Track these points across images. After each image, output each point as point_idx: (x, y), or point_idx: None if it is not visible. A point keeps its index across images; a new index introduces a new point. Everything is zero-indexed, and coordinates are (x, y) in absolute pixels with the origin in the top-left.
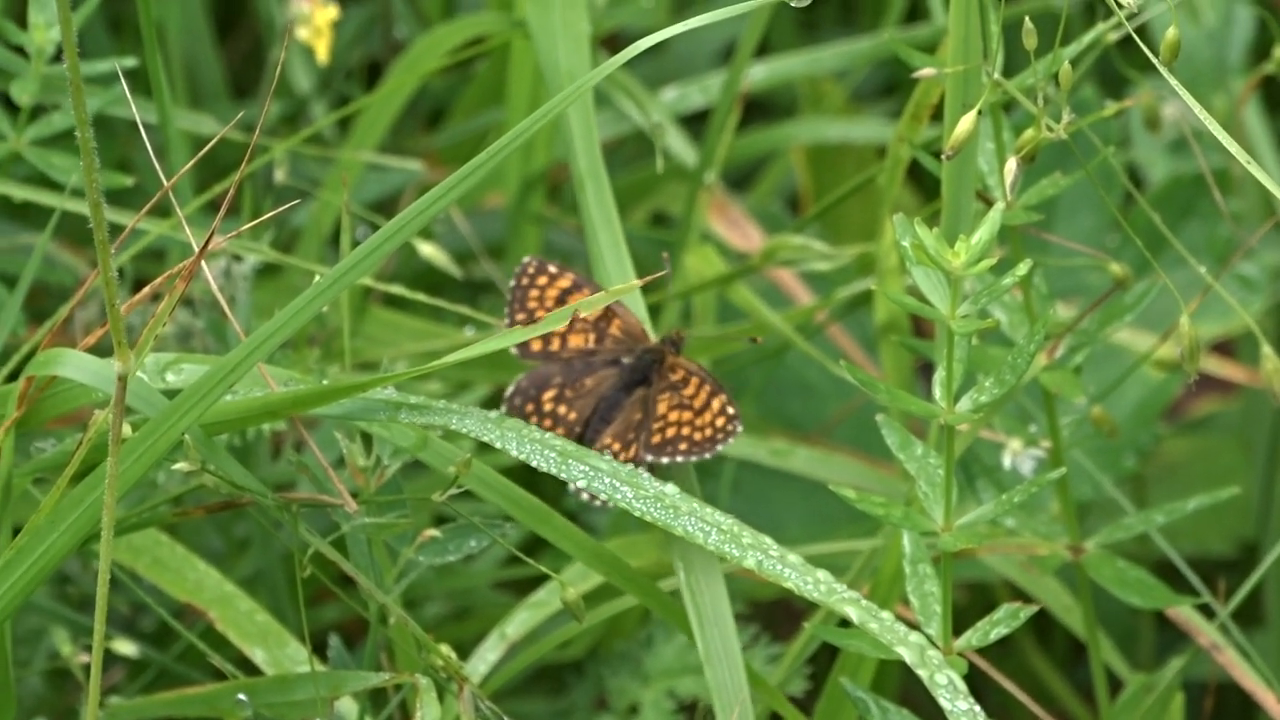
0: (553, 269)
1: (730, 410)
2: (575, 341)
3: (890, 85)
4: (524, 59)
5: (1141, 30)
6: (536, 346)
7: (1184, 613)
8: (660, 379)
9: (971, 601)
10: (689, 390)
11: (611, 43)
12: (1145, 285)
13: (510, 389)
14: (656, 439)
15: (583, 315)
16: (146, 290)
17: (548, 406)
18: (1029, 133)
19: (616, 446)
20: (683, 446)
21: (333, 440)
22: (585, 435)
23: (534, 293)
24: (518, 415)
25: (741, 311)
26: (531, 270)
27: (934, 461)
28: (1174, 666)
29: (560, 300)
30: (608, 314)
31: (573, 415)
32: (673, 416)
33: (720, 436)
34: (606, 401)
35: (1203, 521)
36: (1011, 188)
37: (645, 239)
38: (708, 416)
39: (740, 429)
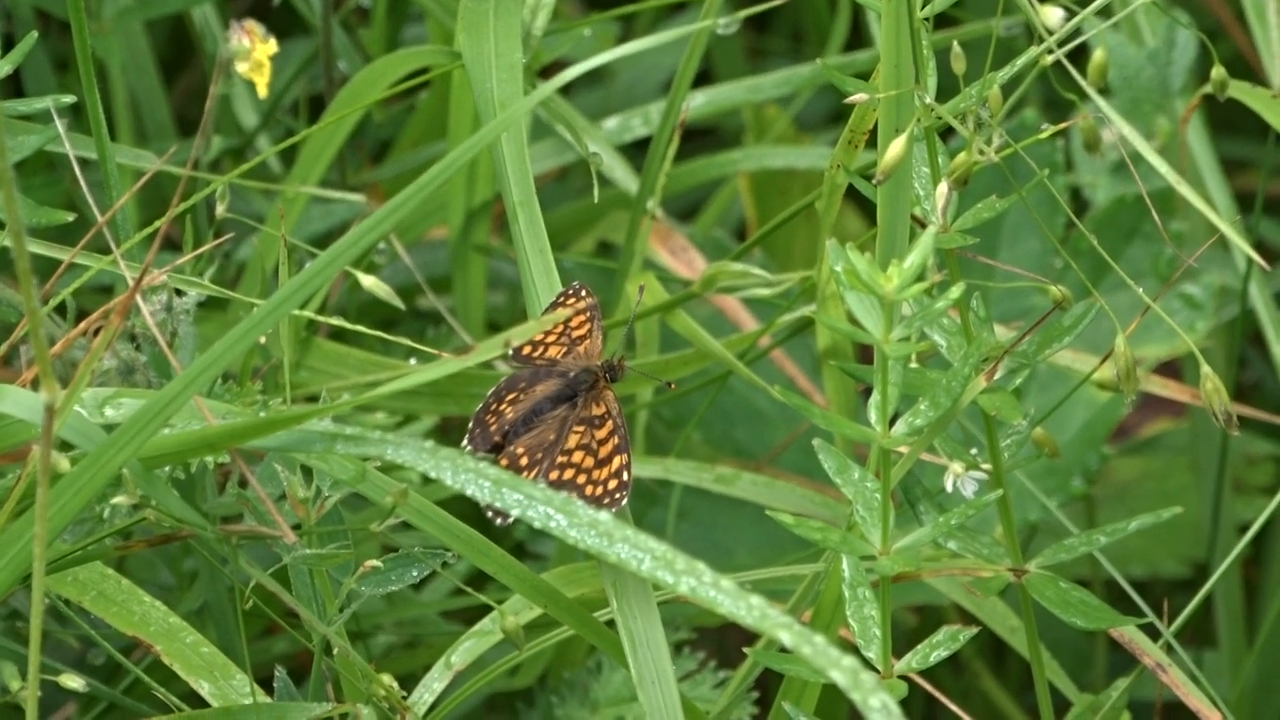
0: (584, 293)
1: (625, 476)
2: (552, 352)
3: (836, 112)
4: (465, 91)
5: (1082, 52)
6: (525, 352)
7: (1131, 633)
8: (584, 406)
9: (922, 625)
10: (601, 433)
11: (552, 73)
12: (1084, 307)
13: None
14: (554, 475)
15: (514, 342)
16: (82, 325)
17: (504, 406)
18: (961, 157)
19: (524, 461)
20: (573, 494)
21: (275, 472)
22: (507, 437)
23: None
24: (488, 409)
25: (685, 339)
26: (570, 292)
27: (871, 485)
28: (1119, 686)
29: (567, 322)
30: (588, 332)
31: (509, 415)
32: (576, 457)
33: (607, 501)
34: (534, 410)
35: (1155, 542)
36: (944, 211)
37: (589, 267)
38: (605, 473)
39: (625, 500)
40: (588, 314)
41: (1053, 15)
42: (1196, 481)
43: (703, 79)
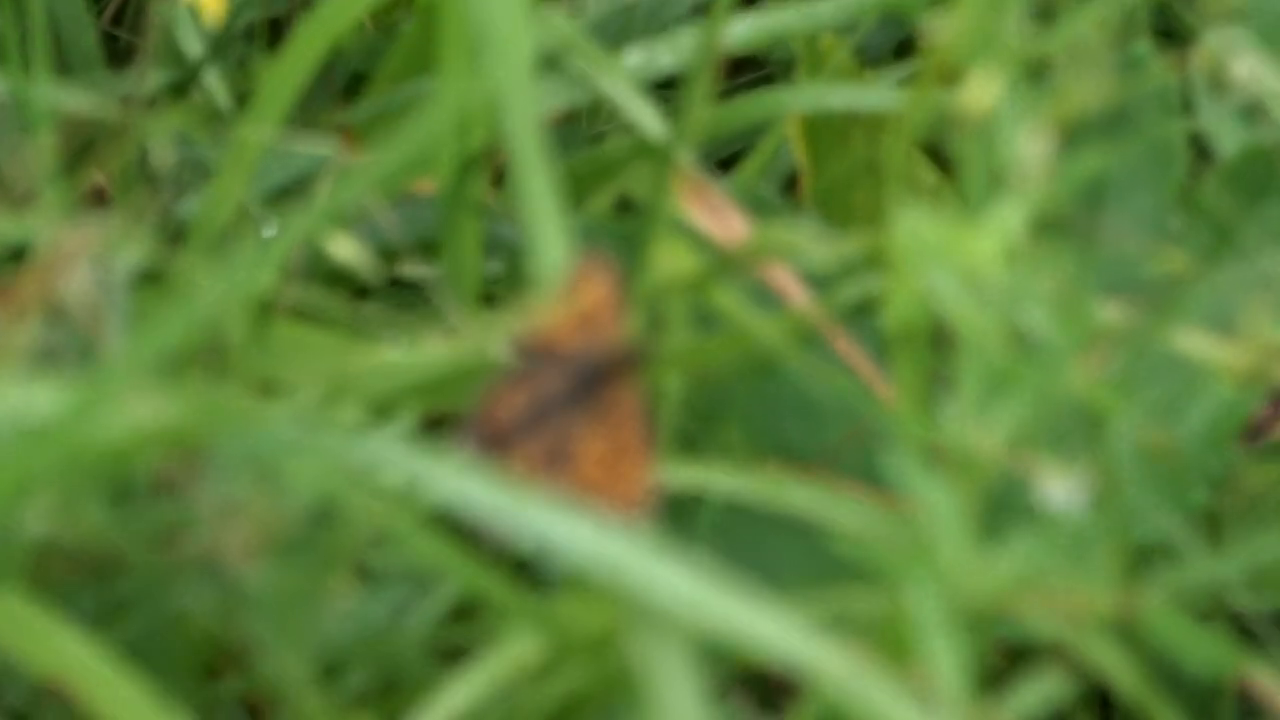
0: (603, 263)
1: (649, 485)
2: (562, 334)
3: (905, 43)
4: (458, 13)
5: None
6: (530, 335)
7: (1266, 680)
8: (601, 401)
9: (1011, 667)
10: (621, 433)
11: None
12: (1212, 280)
13: None
14: (564, 482)
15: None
16: None
17: (504, 399)
18: (1067, 97)
19: (529, 466)
20: (587, 505)
21: (231, 481)
22: (508, 437)
23: None
24: (486, 404)
25: (723, 317)
26: (585, 261)
27: (952, 497)
28: None
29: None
30: (605, 310)
31: (511, 412)
32: (591, 461)
33: (628, 514)
34: (541, 406)
35: None
36: (1040, 164)
37: (606, 230)
38: (625, 480)
39: (649, 514)
40: (606, 289)
41: None
42: None
43: (746, 1)
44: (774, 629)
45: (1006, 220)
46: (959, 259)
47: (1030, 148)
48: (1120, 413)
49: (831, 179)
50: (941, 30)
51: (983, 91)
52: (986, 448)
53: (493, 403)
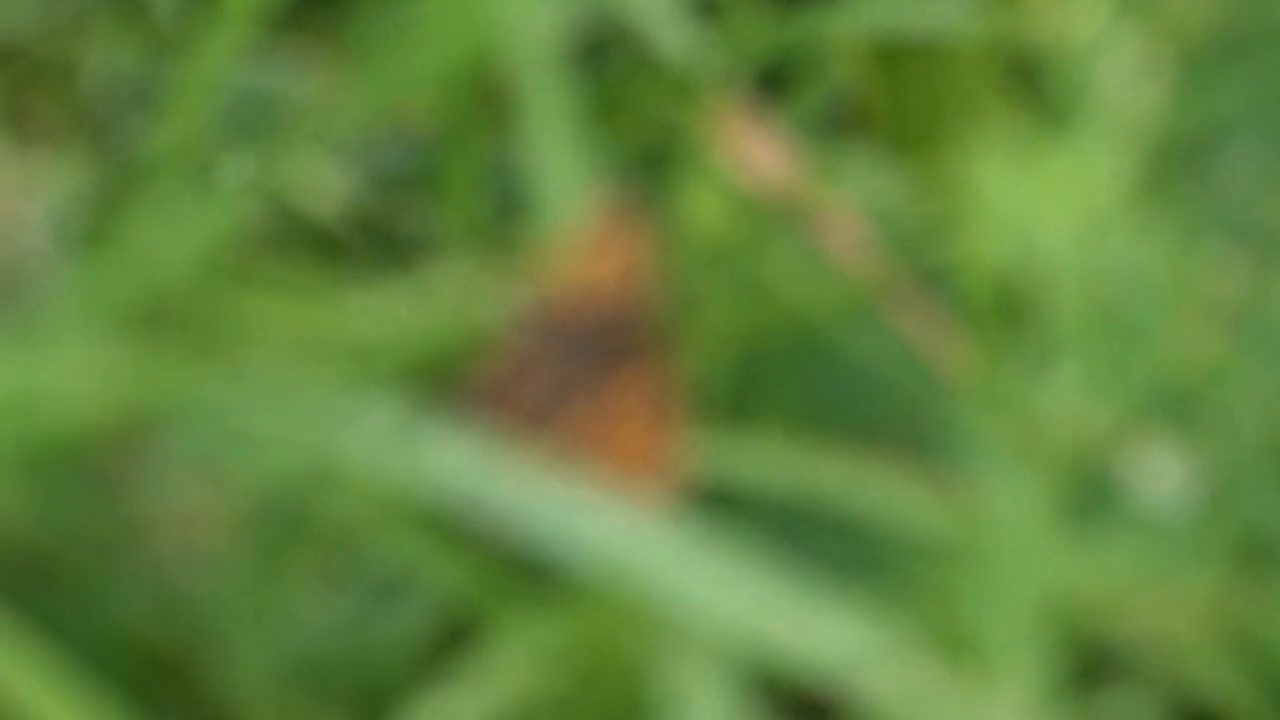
0: (627, 209)
1: (679, 471)
2: (577, 294)
3: None
4: None
5: None
6: (539, 294)
7: None
8: (623, 374)
9: (1097, 678)
10: (646, 411)
11: None
12: None
13: None
14: (578, 467)
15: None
16: None
17: (507, 370)
18: (1176, 21)
19: (534, 447)
20: (604, 494)
21: (184, 465)
22: (511, 414)
23: None
24: (485, 376)
25: (773, 279)
26: (605, 207)
27: (1040, 488)
28: None
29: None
30: (630, 268)
31: (516, 385)
32: (610, 443)
33: (653, 504)
34: (550, 378)
35: None
36: (1152, 102)
37: (631, 169)
38: (649, 466)
39: (678, 505)
40: (636, 246)
41: None
42: None
43: None
44: (822, 639)
45: (1106, 163)
46: (1051, 207)
47: (1133, 81)
48: (1237, 391)
49: (896, 114)
50: None
51: (1076, 12)
52: (1082, 429)
53: (498, 375)
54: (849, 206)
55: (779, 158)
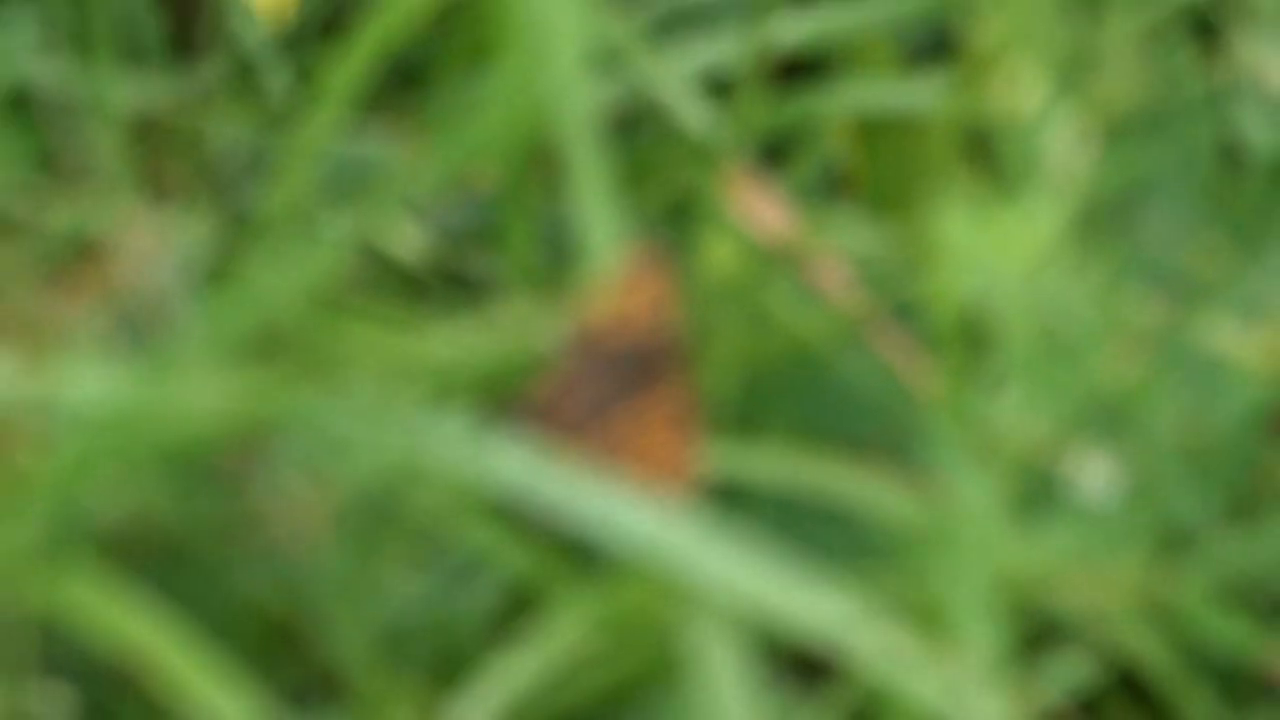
0: (655, 259)
1: (699, 472)
2: (614, 328)
3: (950, 43)
4: (514, 10)
5: None
6: (584, 328)
7: None
8: (652, 392)
9: (1039, 650)
10: (672, 423)
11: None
12: (1244, 278)
13: None
14: (616, 468)
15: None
16: (58, 289)
17: (557, 390)
18: (1105, 97)
19: (581, 451)
20: (639, 491)
21: (294, 466)
22: (562, 425)
23: None
24: (539, 394)
25: (775, 314)
26: (638, 257)
27: (992, 486)
28: None
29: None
30: (659, 305)
31: (564, 401)
32: (644, 449)
33: (679, 499)
34: (593, 395)
35: None
36: (1084, 165)
37: (658, 225)
38: (676, 467)
39: (699, 500)
40: (659, 283)
41: None
42: None
43: (793, 3)
44: (817, 611)
45: (1046, 218)
46: (1001, 255)
47: (1069, 147)
48: (1155, 405)
49: (876, 179)
50: (983, 29)
51: (1024, 91)
52: (1025, 438)
53: (548, 392)
54: (837, 254)
55: (779, 214)
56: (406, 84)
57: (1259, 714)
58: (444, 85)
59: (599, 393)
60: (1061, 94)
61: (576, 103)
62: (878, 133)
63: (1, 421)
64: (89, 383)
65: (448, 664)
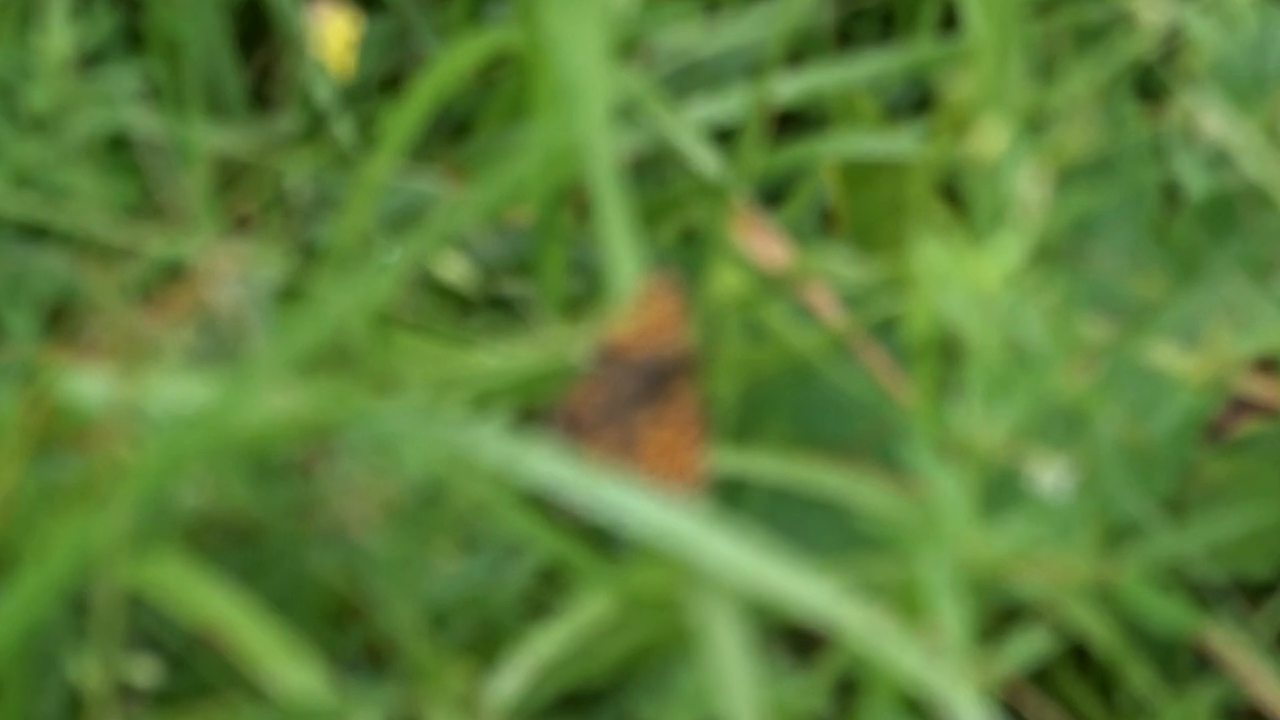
0: (670, 286)
1: (705, 470)
2: (636, 343)
3: (926, 99)
4: (549, 71)
5: (1178, 42)
6: (608, 344)
7: (1219, 640)
8: (668, 401)
9: (1001, 627)
10: (683, 427)
11: (642, 54)
12: (1181, 303)
13: None
14: (635, 466)
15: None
16: (153, 306)
17: (586, 397)
18: (1061, 146)
19: (605, 450)
20: (654, 486)
21: (354, 462)
22: (589, 427)
23: None
24: (570, 401)
25: (771, 333)
26: (655, 283)
27: (958, 483)
28: (1206, 695)
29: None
30: (673, 325)
31: (592, 407)
32: (658, 450)
33: (688, 494)
34: (616, 403)
35: (1243, 544)
36: (1041, 203)
37: (672, 256)
38: (686, 466)
39: (704, 494)
40: (672, 305)
41: (1158, 10)
42: None
43: (791, 63)
44: (808, 591)
45: (1009, 250)
46: (968, 282)
47: (1029, 189)
48: (1101, 413)
49: (861, 216)
50: (956, 87)
51: (990, 140)
52: (988, 441)
53: (575, 399)
54: (825, 280)
55: (776, 246)
56: (455, 132)
57: (1192, 684)
58: (487, 134)
59: (619, 400)
60: (1023, 143)
61: (602, 150)
62: (861, 176)
63: (101, 422)
64: (177, 389)
65: (487, 635)
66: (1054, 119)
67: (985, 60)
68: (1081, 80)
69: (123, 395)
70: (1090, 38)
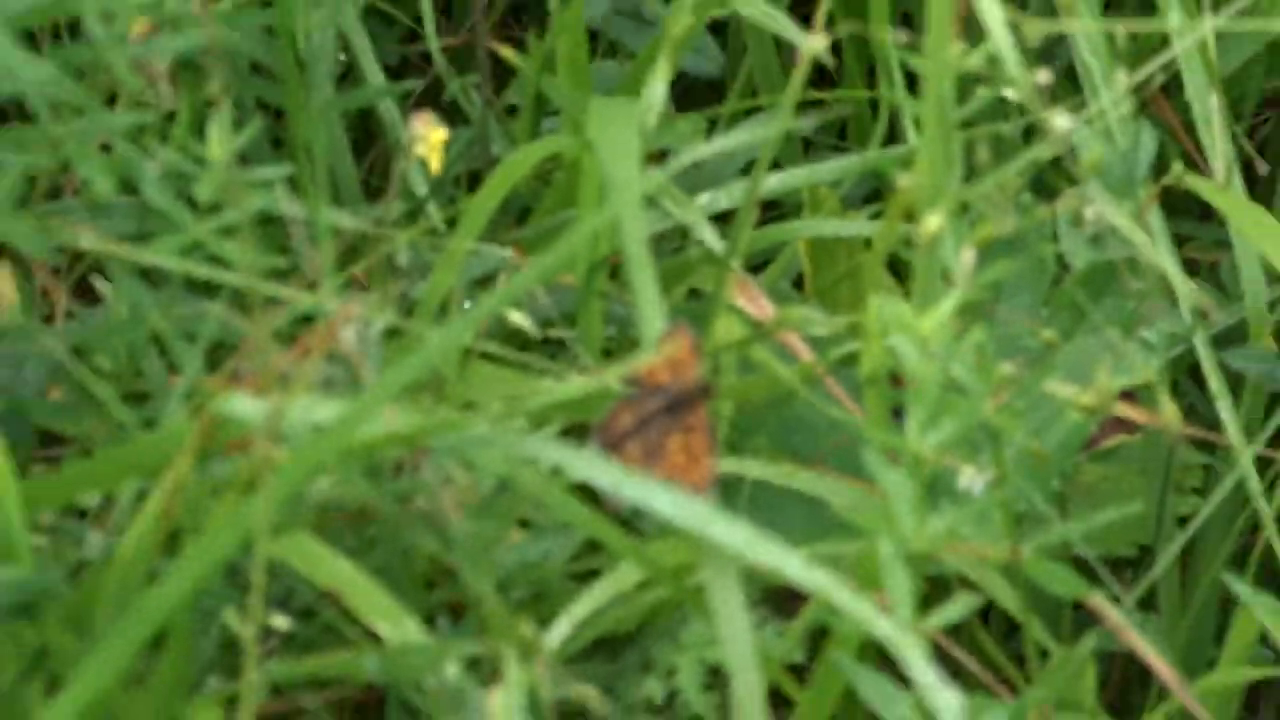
0: (686, 332)
1: (712, 472)
2: (660, 377)
3: (871, 192)
4: (592, 170)
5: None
6: (640, 377)
7: (1096, 601)
8: (684, 419)
9: (931, 592)
10: (696, 438)
11: (659, 158)
12: (1069, 347)
13: None
14: (659, 470)
15: (635, 370)
16: (291, 348)
17: (622, 416)
18: (981, 229)
19: (637, 458)
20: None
21: (443, 464)
22: (625, 440)
23: None
24: (610, 418)
25: (759, 368)
26: (674, 329)
27: (907, 484)
28: (1088, 644)
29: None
30: (690, 362)
31: (626, 424)
32: (678, 457)
33: (698, 491)
34: (645, 421)
35: (1111, 530)
36: (967, 273)
37: (683, 310)
38: (697, 469)
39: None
40: (690, 349)
41: (1061, 122)
42: (1145, 483)
43: (771, 165)
44: (790, 563)
45: (943, 307)
46: (913, 331)
47: (958, 260)
48: (1010, 431)
49: (824, 281)
50: (903, 183)
51: (930, 223)
52: (927, 452)
53: (612, 417)
54: (800, 329)
55: (762, 303)
56: (519, 216)
57: (1080, 637)
58: (543, 218)
59: (646, 419)
60: (954, 226)
61: (634, 230)
62: (825, 251)
63: (254, 436)
64: (311, 409)
65: (541, 595)
66: (977, 208)
67: (926, 163)
68: (997, 179)
69: (270, 413)
70: (1004, 146)
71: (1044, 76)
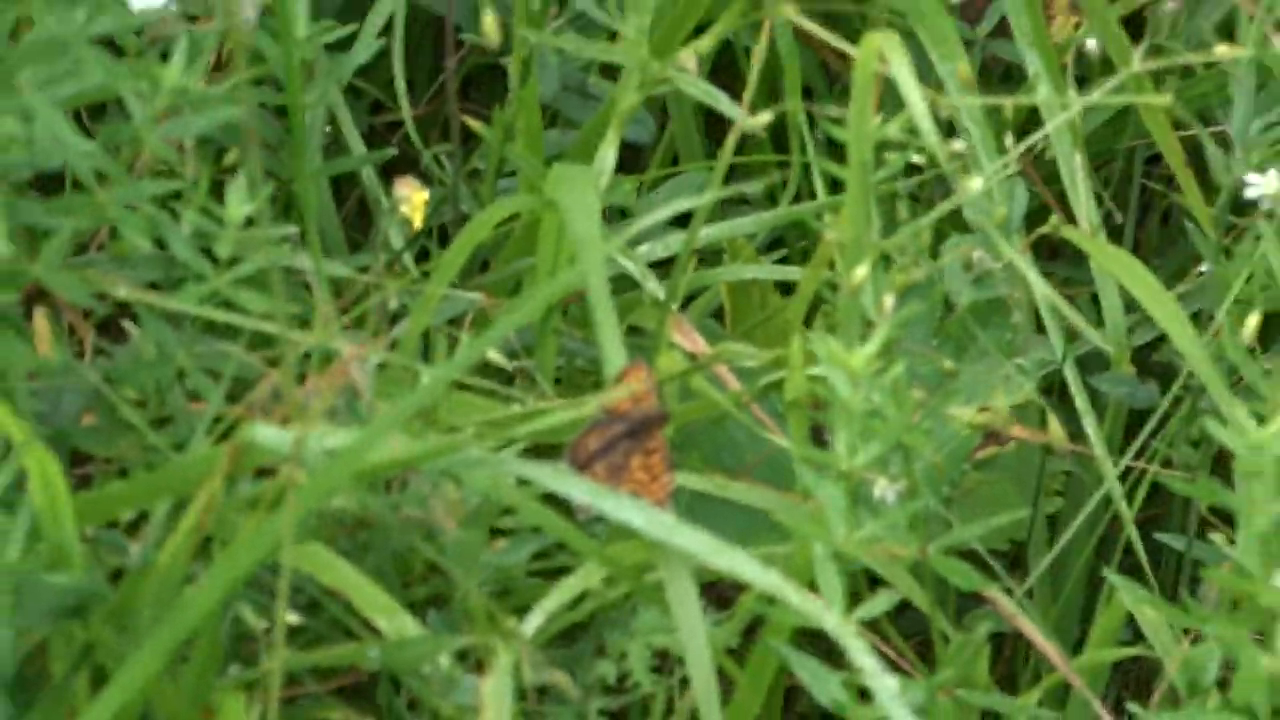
0: (643, 367)
1: (670, 487)
2: (622, 406)
3: (776, 240)
4: (550, 225)
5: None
6: (607, 406)
7: (994, 591)
8: (644, 442)
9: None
10: (654, 459)
11: (606, 215)
12: (961, 373)
13: None
14: (624, 486)
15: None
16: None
17: (590, 439)
18: (898, 276)
19: (604, 475)
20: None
21: (433, 478)
22: (592, 459)
23: None
24: (579, 441)
25: (694, 394)
26: (632, 365)
27: (839, 495)
28: (983, 629)
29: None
30: (648, 393)
31: (593, 446)
32: (639, 475)
33: (658, 503)
34: (610, 444)
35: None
36: (888, 314)
37: (630, 346)
38: (657, 485)
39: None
40: (648, 381)
41: (974, 184)
42: (1017, 487)
43: (709, 220)
44: (748, 566)
45: (868, 343)
46: (840, 364)
47: (882, 304)
48: (921, 448)
49: (745, 317)
50: (829, 236)
51: (855, 270)
52: (852, 466)
53: (580, 441)
54: (728, 361)
55: (695, 340)
56: (485, 264)
57: (976, 622)
58: (503, 265)
59: (611, 441)
60: (872, 272)
61: (598, 280)
62: (743, 294)
63: (279, 460)
64: (326, 437)
65: (517, 590)
66: (890, 257)
67: (848, 218)
68: (912, 231)
69: (295, 441)
70: (917, 201)
71: (959, 145)
